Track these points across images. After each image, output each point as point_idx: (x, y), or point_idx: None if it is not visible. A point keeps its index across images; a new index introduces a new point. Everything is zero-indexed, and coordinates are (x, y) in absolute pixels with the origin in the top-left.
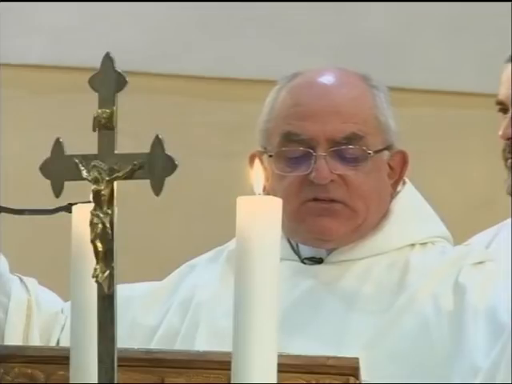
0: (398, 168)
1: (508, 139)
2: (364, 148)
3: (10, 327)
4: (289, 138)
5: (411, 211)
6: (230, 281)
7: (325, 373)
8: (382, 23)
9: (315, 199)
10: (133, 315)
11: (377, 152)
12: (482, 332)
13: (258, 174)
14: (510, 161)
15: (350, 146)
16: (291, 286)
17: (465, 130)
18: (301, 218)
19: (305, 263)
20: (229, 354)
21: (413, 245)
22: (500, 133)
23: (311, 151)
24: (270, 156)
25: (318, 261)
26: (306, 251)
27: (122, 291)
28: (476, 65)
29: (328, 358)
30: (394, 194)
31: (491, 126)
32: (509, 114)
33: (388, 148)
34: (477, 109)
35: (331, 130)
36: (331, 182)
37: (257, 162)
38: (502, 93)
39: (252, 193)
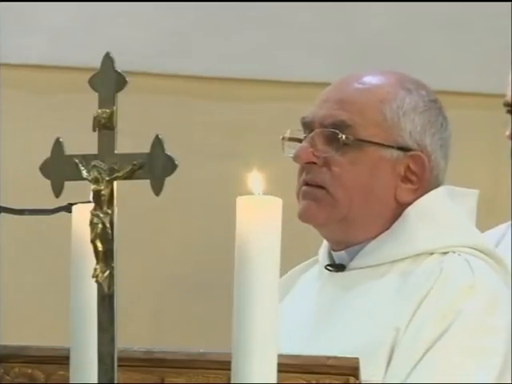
0: (420, 173)
1: None
2: (337, 132)
3: None
4: (301, 121)
5: (432, 219)
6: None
7: (325, 373)
8: (382, 23)
9: (305, 183)
10: None
11: (361, 142)
12: None
13: (256, 175)
14: None
15: (332, 130)
16: (318, 292)
17: (465, 130)
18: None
19: (328, 270)
20: (229, 354)
21: (432, 253)
22: (507, 133)
23: (303, 132)
24: (282, 139)
25: (342, 267)
26: (336, 257)
27: None
28: (476, 65)
29: (328, 357)
30: (415, 201)
31: (491, 126)
32: None
33: (401, 149)
34: (477, 109)
35: (323, 114)
36: (314, 165)
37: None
38: (510, 94)
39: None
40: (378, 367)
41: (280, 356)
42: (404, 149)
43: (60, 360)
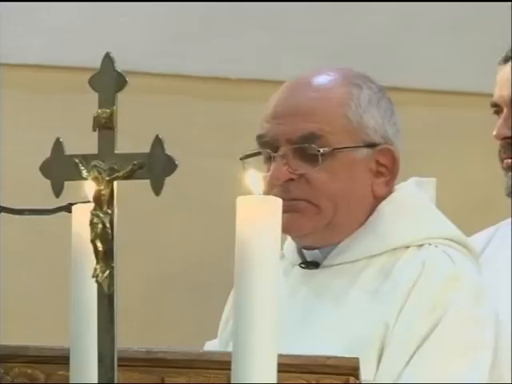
0: (390, 165)
1: (502, 139)
2: (314, 146)
3: None
4: (259, 140)
5: (405, 212)
6: None
7: (325, 373)
8: (381, 23)
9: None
10: None
11: (336, 150)
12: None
13: (254, 175)
14: (505, 161)
15: (306, 145)
16: (291, 290)
17: (464, 130)
18: None
19: (302, 267)
20: (229, 353)
21: (407, 247)
22: (494, 133)
23: (270, 152)
24: (240, 159)
25: (316, 264)
26: (308, 255)
27: None
28: (476, 65)
29: (328, 357)
30: (388, 193)
31: (491, 126)
32: (503, 114)
33: (369, 146)
34: (477, 109)
35: (289, 130)
36: (292, 181)
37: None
38: (496, 94)
39: (252, 193)
40: (367, 363)
41: (280, 356)
42: (371, 145)
43: (60, 360)
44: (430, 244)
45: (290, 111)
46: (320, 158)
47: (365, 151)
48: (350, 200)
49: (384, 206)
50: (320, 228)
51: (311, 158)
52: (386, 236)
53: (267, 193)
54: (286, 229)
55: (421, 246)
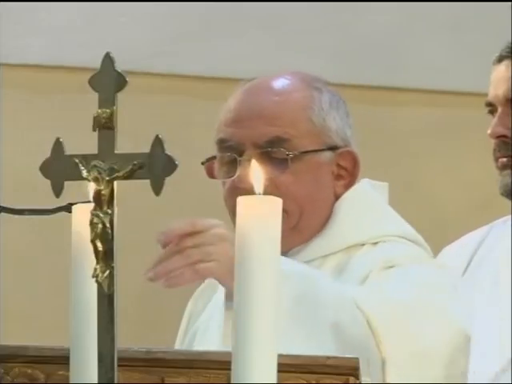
0: (350, 168)
1: (497, 137)
2: (283, 150)
3: None
4: (221, 144)
5: (359, 211)
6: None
7: (325, 373)
8: (381, 23)
9: None
10: None
11: (304, 153)
12: None
13: (257, 174)
14: (500, 160)
15: (274, 149)
16: None
17: (464, 130)
18: None
19: None
20: (229, 353)
21: (363, 244)
22: (489, 131)
23: (236, 156)
24: (202, 163)
25: None
26: None
27: None
28: (476, 65)
29: (328, 357)
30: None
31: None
32: (497, 113)
33: (331, 149)
34: (477, 109)
35: (255, 134)
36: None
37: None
38: (491, 93)
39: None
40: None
41: (280, 356)
42: (333, 148)
43: (60, 360)
44: (384, 241)
45: (252, 115)
46: (289, 162)
47: (328, 154)
48: (315, 203)
49: (339, 205)
50: (285, 231)
51: (278, 162)
52: (341, 235)
53: (232, 197)
54: None
55: (376, 243)
